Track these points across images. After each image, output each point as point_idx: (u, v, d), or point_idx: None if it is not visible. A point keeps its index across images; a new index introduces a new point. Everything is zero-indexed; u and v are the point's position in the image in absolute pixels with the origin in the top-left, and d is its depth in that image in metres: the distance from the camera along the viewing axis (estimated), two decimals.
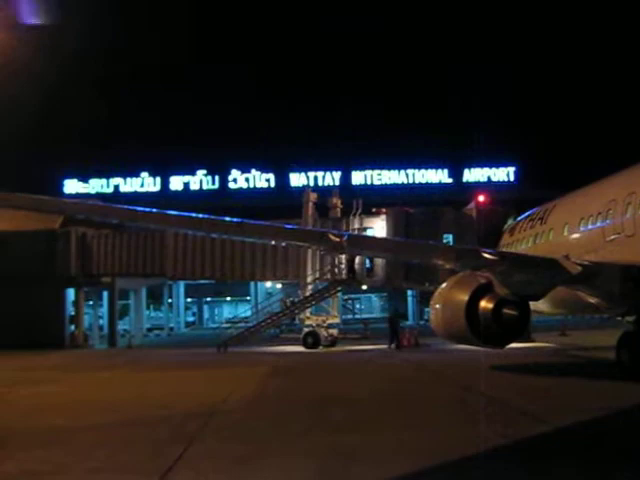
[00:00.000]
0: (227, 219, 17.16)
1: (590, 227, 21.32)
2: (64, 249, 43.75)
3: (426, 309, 42.35)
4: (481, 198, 38.68)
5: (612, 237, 19.66)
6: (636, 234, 18.75)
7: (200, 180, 70.16)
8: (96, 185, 69.84)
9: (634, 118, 58.16)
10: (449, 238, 35.77)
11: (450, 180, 69.56)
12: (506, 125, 64.68)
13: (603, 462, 9.55)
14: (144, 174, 70.05)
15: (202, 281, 55.25)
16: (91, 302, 50.79)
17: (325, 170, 68.70)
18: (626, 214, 19.37)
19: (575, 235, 22.10)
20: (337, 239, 16.15)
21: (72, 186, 69.40)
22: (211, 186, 70.07)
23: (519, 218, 28.77)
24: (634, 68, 62.34)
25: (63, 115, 60.96)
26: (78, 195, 65.48)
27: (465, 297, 18.99)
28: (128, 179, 70.24)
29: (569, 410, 13.62)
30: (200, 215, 18.10)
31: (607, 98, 64.93)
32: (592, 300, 19.19)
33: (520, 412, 13.83)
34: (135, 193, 68.37)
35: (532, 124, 65.46)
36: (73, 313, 46.01)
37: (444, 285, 20.59)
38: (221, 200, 63.92)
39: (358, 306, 66.06)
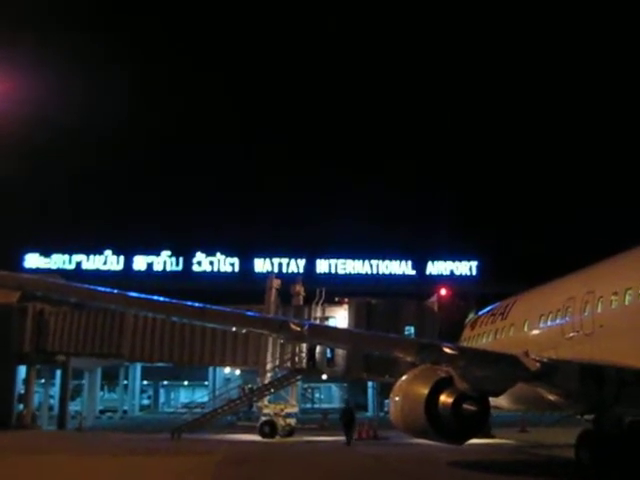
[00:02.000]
0: (189, 304, 16.98)
1: (549, 324, 21.50)
2: (19, 325, 42.74)
3: (386, 401, 41.79)
4: (443, 291, 39.02)
5: (571, 335, 19.81)
6: (594, 332, 18.91)
7: (164, 261, 69.84)
8: (58, 260, 68.98)
9: (592, 215, 60.12)
10: (411, 330, 35.85)
11: (413, 272, 70.20)
12: (470, 220, 66.22)
13: None
14: (107, 252, 69.52)
15: (159, 364, 54.13)
16: (43, 380, 49.29)
17: (290, 257, 68.98)
18: (584, 312, 19.59)
19: (535, 331, 22.25)
20: (298, 328, 16.05)
21: (33, 260, 68.47)
22: (175, 267, 69.73)
23: (480, 312, 28.91)
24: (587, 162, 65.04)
25: (27, 188, 60.97)
26: (39, 270, 64.49)
27: (425, 391, 18.89)
28: (91, 256, 69.58)
29: None
30: (162, 298, 17.88)
31: (568, 197, 67.10)
32: (551, 397, 19.15)
33: None
34: (97, 271, 67.66)
35: (496, 220, 67.03)
36: (23, 391, 44.54)
37: (404, 378, 20.47)
38: (184, 282, 63.64)
39: (318, 395, 65.21)
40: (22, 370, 44.46)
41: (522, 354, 16.78)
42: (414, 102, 76.05)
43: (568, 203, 66.97)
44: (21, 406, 43.80)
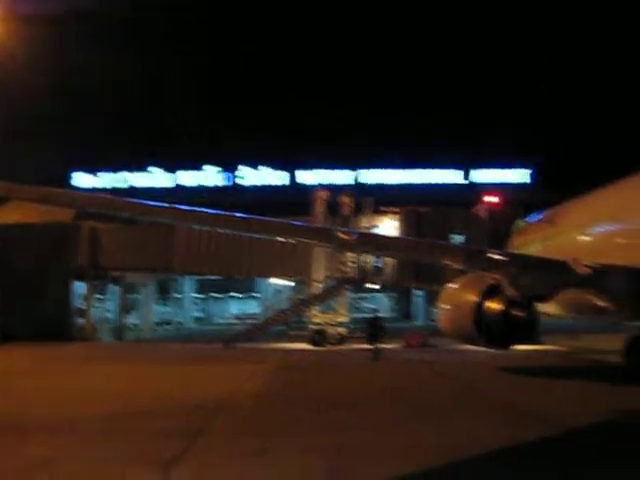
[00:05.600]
0: (236, 215, 17.16)
1: (600, 230, 21.30)
2: (74, 242, 43.86)
3: (435, 309, 42.11)
4: (492, 199, 38.71)
5: (623, 241, 19.65)
6: None
7: (211, 176, 70.37)
8: (106, 178, 70.05)
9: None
10: (460, 238, 35.79)
11: (463, 181, 69.46)
12: (521, 127, 64.63)
13: (614, 464, 9.52)
14: (154, 169, 70.26)
15: (210, 277, 55.34)
16: (100, 295, 50.91)
17: (336, 168, 68.73)
18: (637, 218, 19.34)
19: (585, 238, 22.07)
20: (346, 237, 16.12)
21: (81, 179, 69.58)
22: (221, 182, 70.26)
23: (529, 220, 28.71)
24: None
25: (74, 106, 61.23)
26: (87, 188, 65.74)
27: (473, 298, 19.06)
28: (139, 173, 70.47)
29: (576, 413, 13.58)
30: (209, 210, 18.10)
31: (621, 105, 64.71)
32: (600, 303, 19.14)
33: (526, 413, 13.82)
34: (146, 187, 68.58)
35: (546, 128, 65.33)
36: (82, 306, 46.12)
37: (453, 285, 20.64)
38: (232, 196, 64.08)
39: (367, 305, 65.97)
40: (80, 286, 45.90)
41: (571, 260, 16.68)
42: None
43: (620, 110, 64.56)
44: (82, 320, 45.46)
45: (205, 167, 70.34)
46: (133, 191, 64.99)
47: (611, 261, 17.76)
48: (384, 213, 38.88)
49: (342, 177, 68.29)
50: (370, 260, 36.99)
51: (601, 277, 16.79)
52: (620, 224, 20.14)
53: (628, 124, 60.98)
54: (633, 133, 59.00)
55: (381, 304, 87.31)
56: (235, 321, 58.00)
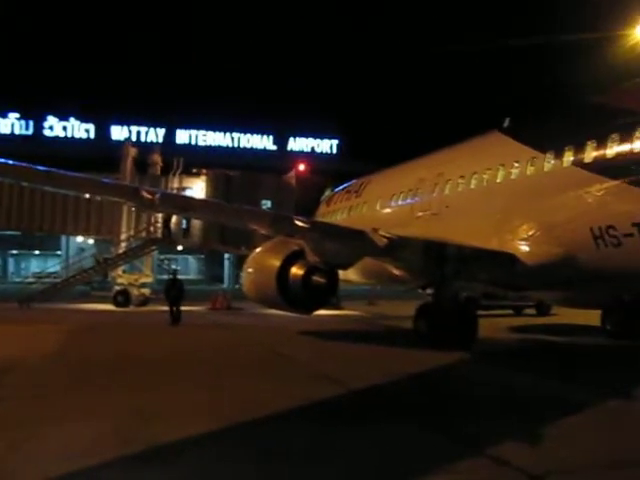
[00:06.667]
0: (32, 167, 16.04)
1: (400, 203, 22.48)
2: None
3: (242, 273, 42.40)
4: (301, 167, 39.46)
5: (420, 214, 20.86)
6: (440, 213, 19.96)
7: (12, 124, 65.81)
8: None
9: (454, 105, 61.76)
10: (268, 204, 36.21)
11: (275, 147, 70.21)
12: (332, 98, 66.34)
13: (397, 421, 10.04)
14: None
15: (7, 232, 51.94)
16: None
17: (149, 126, 66.83)
18: (433, 193, 20.57)
19: (386, 210, 23.23)
20: (150, 196, 15.63)
21: None
22: (24, 131, 65.98)
23: (337, 189, 29.57)
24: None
25: None
26: None
27: (277, 263, 19.41)
28: None
29: (368, 374, 14.21)
30: (6, 161, 16.81)
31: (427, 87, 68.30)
32: (396, 272, 20.16)
33: (321, 375, 14.28)
34: None
35: (356, 100, 67.53)
36: None
37: (258, 250, 20.87)
38: (35, 147, 60.37)
39: (174, 266, 65.28)
40: None
41: (370, 230, 17.34)
42: None
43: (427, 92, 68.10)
44: None
45: (8, 114, 65.76)
46: None
47: (409, 233, 18.72)
48: (196, 175, 38.40)
49: (154, 135, 66.56)
50: (177, 221, 36.46)
51: (397, 247, 17.59)
52: (415, 198, 21.38)
53: (431, 106, 64.69)
54: (434, 114, 62.65)
55: (190, 266, 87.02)
56: (33, 279, 54.94)
